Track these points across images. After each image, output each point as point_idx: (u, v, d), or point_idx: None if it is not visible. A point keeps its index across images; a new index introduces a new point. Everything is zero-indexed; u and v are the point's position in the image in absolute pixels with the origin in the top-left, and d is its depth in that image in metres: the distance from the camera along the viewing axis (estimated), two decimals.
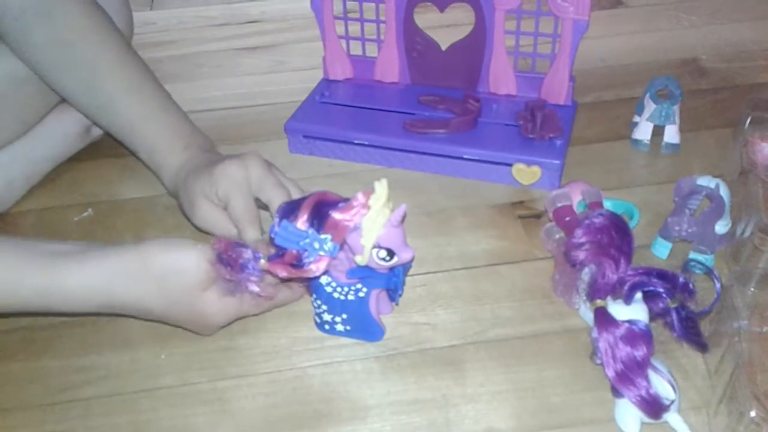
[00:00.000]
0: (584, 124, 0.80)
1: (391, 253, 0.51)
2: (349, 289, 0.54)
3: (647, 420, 0.49)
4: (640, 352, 0.48)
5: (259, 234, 0.59)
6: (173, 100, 0.67)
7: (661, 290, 0.50)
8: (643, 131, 0.76)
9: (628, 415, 0.49)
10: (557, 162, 0.70)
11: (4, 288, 0.51)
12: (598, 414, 0.51)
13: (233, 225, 0.60)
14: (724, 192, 0.61)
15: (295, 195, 0.59)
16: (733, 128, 0.74)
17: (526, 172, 0.71)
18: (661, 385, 0.48)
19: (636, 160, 0.76)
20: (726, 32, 0.98)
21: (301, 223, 0.50)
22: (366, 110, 0.79)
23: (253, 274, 0.52)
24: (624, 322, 0.50)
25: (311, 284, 0.56)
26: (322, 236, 0.49)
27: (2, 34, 0.65)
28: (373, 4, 0.78)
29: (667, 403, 0.48)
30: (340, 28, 0.81)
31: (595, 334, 0.50)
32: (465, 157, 0.73)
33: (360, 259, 0.51)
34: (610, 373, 0.49)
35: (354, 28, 0.81)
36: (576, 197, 0.62)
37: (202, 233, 0.63)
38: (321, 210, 0.50)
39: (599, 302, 0.51)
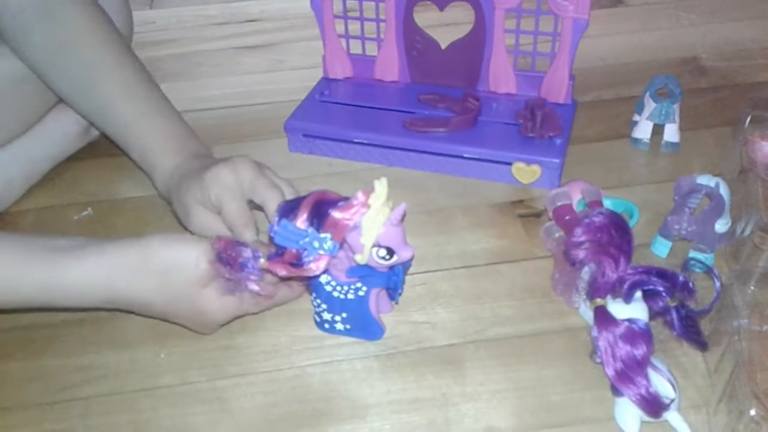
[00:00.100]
0: (584, 123, 0.80)
1: (390, 252, 0.51)
2: (349, 288, 0.54)
3: (647, 419, 0.49)
4: (639, 351, 0.48)
5: (255, 236, 0.59)
6: (169, 103, 0.67)
7: (661, 289, 0.50)
8: (643, 130, 0.76)
9: (628, 413, 0.49)
10: (557, 161, 0.70)
11: (5, 283, 0.51)
12: (598, 413, 0.51)
13: (228, 229, 0.59)
14: (723, 191, 0.61)
15: (288, 194, 0.58)
16: (733, 127, 0.74)
17: (525, 171, 0.71)
18: (660, 383, 0.48)
19: (636, 159, 0.76)
20: (726, 31, 0.98)
21: (301, 222, 0.50)
22: (366, 109, 0.79)
23: (252, 273, 0.52)
24: (624, 320, 0.50)
25: (311, 283, 0.56)
26: (322, 235, 0.49)
27: (1, 32, 0.65)
28: (372, 3, 0.78)
29: (666, 401, 0.48)
30: (339, 27, 0.81)
31: (594, 332, 0.50)
32: (465, 155, 0.73)
33: (360, 258, 0.51)
34: (610, 371, 0.49)
35: (354, 27, 0.81)
36: (576, 196, 0.62)
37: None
38: (320, 209, 0.50)
39: (599, 301, 0.51)
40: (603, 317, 0.50)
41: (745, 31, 0.97)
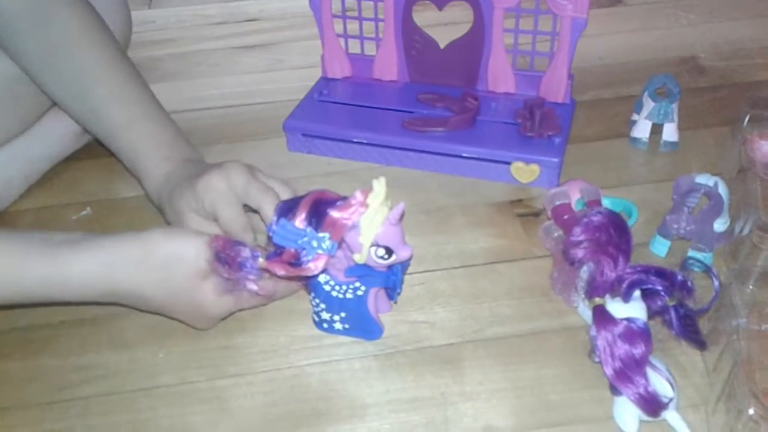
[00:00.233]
0: (583, 123, 0.80)
1: (389, 252, 0.51)
2: (348, 288, 0.54)
3: (646, 418, 0.49)
4: (638, 350, 0.48)
5: (253, 240, 0.58)
6: (160, 107, 0.66)
7: (660, 288, 0.50)
8: (642, 129, 0.76)
9: (627, 413, 0.49)
10: (556, 160, 0.70)
11: (6, 278, 0.51)
12: (597, 412, 0.51)
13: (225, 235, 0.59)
14: (722, 190, 0.61)
15: (283, 194, 0.58)
16: (732, 126, 0.74)
17: (524, 171, 0.71)
18: (659, 383, 0.48)
19: (634, 159, 0.76)
20: (724, 30, 0.98)
21: (299, 221, 0.50)
22: (364, 108, 0.79)
23: (251, 272, 0.52)
24: (622, 320, 0.50)
25: (310, 283, 0.56)
26: (320, 234, 0.49)
27: None
28: (371, 3, 0.78)
29: (665, 401, 0.48)
30: (338, 27, 0.81)
31: (593, 332, 0.50)
32: (464, 155, 0.73)
33: (358, 258, 0.51)
34: (609, 371, 0.49)
35: (352, 27, 0.81)
36: (574, 195, 0.62)
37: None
38: (319, 208, 0.50)
39: (598, 300, 0.51)
40: (602, 316, 0.50)
41: (744, 30, 0.97)
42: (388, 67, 0.82)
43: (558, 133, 0.72)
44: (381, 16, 0.79)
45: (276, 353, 0.57)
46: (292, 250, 0.50)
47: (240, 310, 0.58)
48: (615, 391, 0.49)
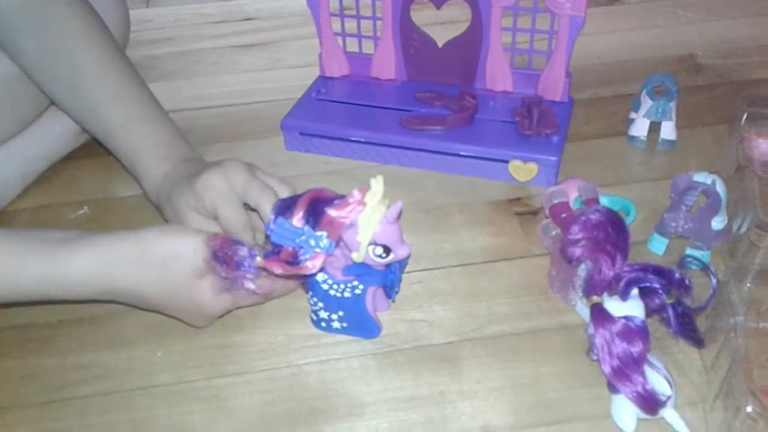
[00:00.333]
0: (581, 121, 0.80)
1: (387, 250, 0.51)
2: (346, 286, 0.54)
3: (643, 416, 0.49)
4: (636, 348, 0.48)
5: (252, 239, 0.58)
6: (158, 106, 0.66)
7: (658, 286, 0.50)
8: (640, 128, 0.76)
9: (625, 410, 0.49)
10: (554, 158, 0.70)
11: (4, 277, 0.51)
12: (595, 410, 0.51)
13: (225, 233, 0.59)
14: (720, 188, 0.61)
15: (282, 193, 0.58)
16: (730, 124, 0.74)
17: (522, 169, 0.71)
18: (657, 380, 0.49)
19: (632, 157, 0.76)
20: (722, 29, 0.98)
21: (297, 220, 0.50)
22: (362, 107, 0.79)
23: (248, 271, 0.52)
24: (620, 318, 0.50)
25: (307, 281, 0.56)
26: (318, 233, 0.49)
27: None
28: (369, 1, 0.78)
29: (663, 398, 0.48)
30: (336, 25, 0.81)
31: (591, 330, 0.50)
32: (462, 153, 0.73)
33: (356, 256, 0.51)
34: (607, 369, 0.49)
35: (350, 25, 0.81)
36: (572, 194, 0.62)
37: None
38: (317, 207, 0.50)
39: (595, 298, 0.51)
40: (599, 314, 0.50)
41: (742, 28, 0.97)
42: (386, 65, 0.82)
43: (556, 132, 0.72)
44: (379, 15, 0.79)
45: (274, 352, 0.57)
46: (290, 248, 0.50)
47: (238, 308, 0.58)
48: (613, 389, 0.49)
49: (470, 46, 0.78)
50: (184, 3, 1.11)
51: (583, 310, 0.56)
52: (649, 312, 0.52)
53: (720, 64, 0.91)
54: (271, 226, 0.51)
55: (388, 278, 0.55)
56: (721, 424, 0.48)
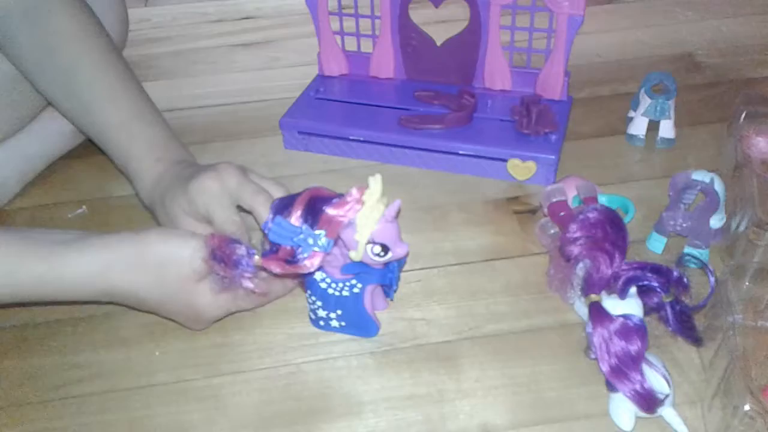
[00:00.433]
0: (579, 120, 0.80)
1: (385, 249, 0.51)
2: (344, 285, 0.54)
3: (642, 414, 0.49)
4: (634, 347, 0.48)
5: (247, 240, 0.58)
6: (153, 107, 0.65)
7: (656, 285, 0.50)
8: (639, 126, 0.76)
9: (623, 409, 0.49)
10: (552, 157, 0.70)
11: (2, 277, 0.51)
12: (593, 408, 0.51)
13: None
14: (718, 186, 0.61)
15: (276, 195, 0.57)
16: (728, 123, 0.74)
17: (521, 168, 0.71)
18: (655, 379, 0.48)
19: (631, 155, 0.76)
20: (721, 27, 0.98)
21: (295, 219, 0.50)
22: (361, 106, 0.79)
23: (246, 270, 0.51)
24: (618, 316, 0.50)
25: (306, 280, 0.56)
26: (316, 232, 0.49)
27: None
28: (367, 0, 0.78)
29: (661, 397, 0.48)
30: (335, 24, 0.81)
31: (589, 328, 0.50)
32: (460, 152, 0.73)
33: (354, 255, 0.51)
34: (605, 367, 0.49)
35: (349, 24, 0.81)
36: (571, 192, 0.62)
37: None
38: (315, 206, 0.50)
39: (594, 297, 0.51)
40: (598, 313, 0.50)
41: (740, 27, 0.97)
42: (385, 64, 0.82)
43: (554, 130, 0.72)
44: (377, 14, 0.79)
45: (272, 351, 0.57)
46: (288, 247, 0.50)
47: (237, 312, 0.58)
48: (611, 387, 0.49)
49: (469, 44, 0.78)
50: (183, 2, 1.11)
51: (581, 308, 0.56)
52: (648, 310, 0.52)
53: (719, 62, 0.91)
54: (269, 224, 0.50)
55: (386, 277, 0.54)
56: (719, 422, 0.48)
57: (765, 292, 0.53)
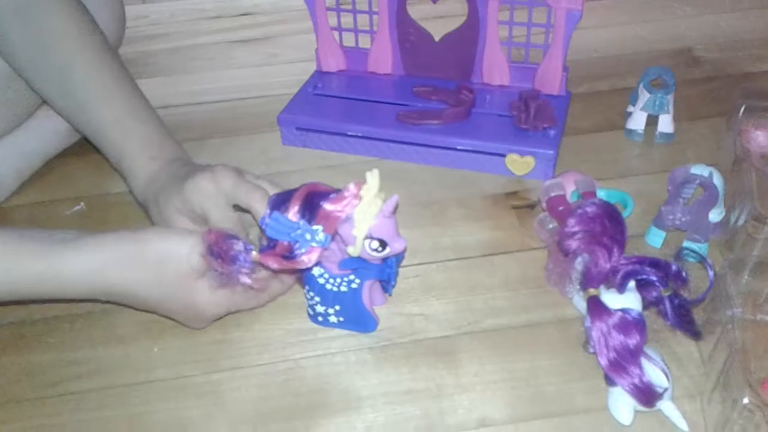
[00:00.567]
0: (578, 115, 0.80)
1: (383, 244, 0.50)
2: (342, 281, 0.54)
3: (641, 408, 0.49)
4: (633, 341, 0.48)
5: (244, 237, 0.58)
6: (147, 105, 0.65)
7: (654, 279, 0.50)
8: (637, 121, 0.76)
9: (622, 403, 0.49)
10: (551, 152, 0.70)
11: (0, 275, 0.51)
12: (592, 403, 0.51)
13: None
14: (717, 180, 0.61)
15: (272, 192, 0.58)
16: (727, 117, 0.73)
17: (519, 163, 0.71)
18: (654, 373, 0.48)
19: (630, 150, 0.76)
20: (720, 22, 0.98)
21: (292, 214, 0.50)
22: (359, 102, 0.79)
23: (244, 266, 0.51)
24: (617, 310, 0.49)
25: (304, 276, 0.56)
26: (314, 227, 0.49)
27: None
28: None
29: (660, 391, 0.48)
30: (332, 20, 0.81)
31: (588, 323, 0.50)
32: (458, 147, 0.73)
33: (352, 250, 0.51)
34: (603, 361, 0.48)
35: (347, 20, 0.81)
36: (570, 187, 0.62)
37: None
38: (312, 201, 0.50)
39: (592, 291, 0.51)
40: (596, 307, 0.50)
41: (739, 21, 0.97)
42: (383, 60, 0.82)
43: (553, 125, 0.72)
44: (375, 9, 0.78)
45: (271, 347, 0.57)
46: (286, 243, 0.50)
47: (234, 312, 0.58)
48: (610, 381, 0.49)
49: (467, 40, 0.77)
50: None
51: (580, 302, 0.56)
52: (646, 304, 0.51)
53: (717, 57, 0.90)
54: (267, 220, 0.50)
55: (384, 272, 0.54)
56: (718, 416, 0.48)
57: (764, 285, 0.53)
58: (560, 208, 0.59)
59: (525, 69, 0.78)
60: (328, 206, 0.49)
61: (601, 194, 0.61)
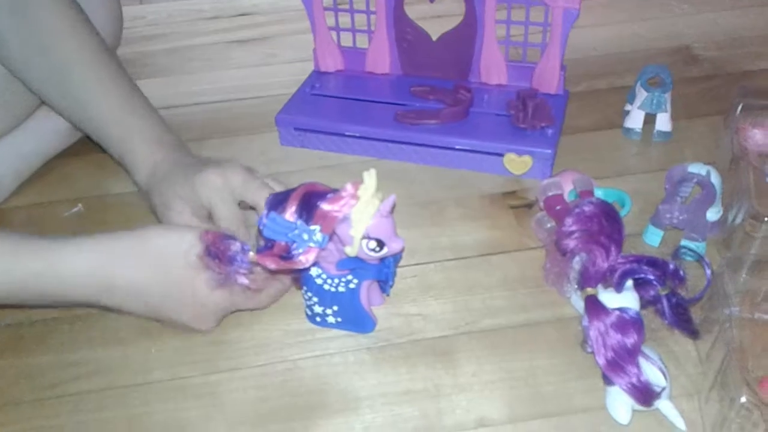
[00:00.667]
0: (576, 113, 0.80)
1: (380, 244, 0.50)
2: (340, 281, 0.54)
3: (638, 407, 0.49)
4: (630, 340, 0.48)
5: (246, 236, 0.58)
6: (145, 100, 0.66)
7: (652, 277, 0.50)
8: (635, 119, 0.76)
9: (619, 402, 0.49)
10: (548, 151, 0.70)
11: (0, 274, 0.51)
12: (590, 402, 0.51)
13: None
14: (715, 179, 0.61)
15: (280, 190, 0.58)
16: (725, 115, 0.73)
17: (517, 162, 0.71)
18: (652, 372, 0.48)
19: (628, 149, 0.76)
20: (717, 20, 0.98)
21: (290, 214, 0.50)
22: (357, 102, 0.79)
23: (241, 266, 0.51)
24: (615, 309, 0.49)
25: (302, 276, 0.56)
26: (311, 227, 0.49)
27: None
28: None
29: (658, 390, 0.48)
30: (330, 20, 0.81)
31: (586, 322, 0.50)
32: (456, 147, 0.73)
33: (350, 250, 0.51)
34: (601, 360, 0.48)
35: (344, 20, 0.81)
36: (567, 186, 0.62)
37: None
38: (309, 201, 0.50)
39: (590, 290, 0.51)
40: (594, 306, 0.50)
41: (737, 19, 0.97)
42: (381, 60, 0.82)
43: (551, 125, 0.72)
44: (372, 9, 0.78)
45: (269, 347, 0.57)
46: (283, 243, 0.50)
47: (236, 311, 0.58)
48: (608, 380, 0.49)
49: (464, 39, 0.77)
50: None
51: (577, 302, 0.56)
52: (644, 303, 0.51)
53: (715, 55, 0.90)
54: (264, 220, 0.50)
55: (382, 272, 0.54)
56: (716, 415, 0.48)
57: (761, 284, 0.53)
58: (558, 207, 0.59)
59: (522, 68, 0.78)
60: (325, 206, 0.49)
61: (599, 193, 0.61)
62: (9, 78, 0.67)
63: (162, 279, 0.53)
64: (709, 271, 0.52)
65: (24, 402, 0.54)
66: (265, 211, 0.51)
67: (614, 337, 0.48)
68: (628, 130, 0.77)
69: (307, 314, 0.58)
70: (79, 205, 0.73)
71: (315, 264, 0.52)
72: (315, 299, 0.56)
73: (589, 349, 0.50)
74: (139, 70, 0.95)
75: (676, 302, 0.51)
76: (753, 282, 0.53)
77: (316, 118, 0.77)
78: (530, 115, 0.72)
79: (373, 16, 0.79)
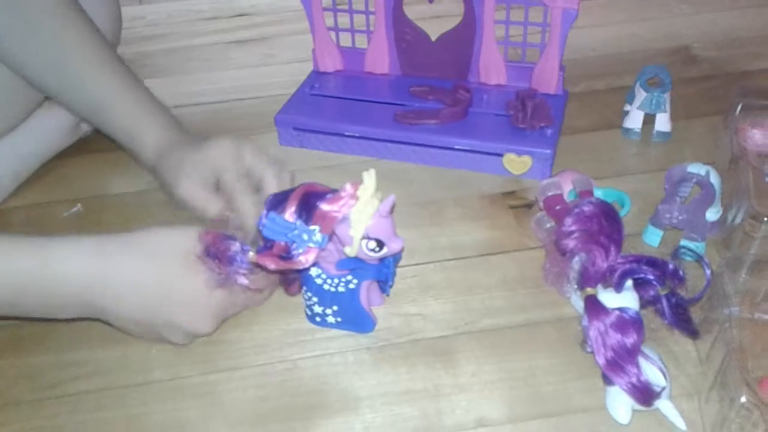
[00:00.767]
0: (575, 114, 0.80)
1: (380, 244, 0.50)
2: (340, 281, 0.54)
3: (638, 407, 0.49)
4: (630, 340, 0.48)
5: (256, 201, 0.59)
6: (140, 80, 0.68)
7: (652, 277, 0.50)
8: (634, 120, 0.76)
9: (620, 402, 0.49)
10: (548, 151, 0.70)
11: None
12: (590, 402, 0.51)
13: (221, 199, 0.61)
14: (714, 179, 0.61)
15: (285, 177, 0.61)
16: (724, 116, 0.73)
17: (516, 162, 0.71)
18: (651, 372, 0.48)
19: (627, 149, 0.76)
20: (717, 20, 0.98)
21: (289, 214, 0.50)
22: (356, 102, 0.79)
23: (241, 266, 0.51)
24: (614, 309, 0.49)
25: (301, 276, 0.56)
26: (311, 227, 0.49)
27: None
28: None
29: (657, 390, 0.48)
30: (329, 20, 0.81)
31: (585, 322, 0.50)
32: (456, 147, 0.73)
33: (349, 251, 0.51)
34: (601, 360, 0.48)
35: (343, 20, 0.81)
36: (567, 186, 0.62)
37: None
38: (309, 201, 0.50)
39: (590, 290, 0.51)
40: (594, 306, 0.50)
41: (736, 19, 0.97)
42: (380, 60, 0.82)
43: (550, 125, 0.72)
44: (372, 9, 0.78)
45: (269, 347, 0.57)
46: (282, 243, 0.50)
47: (237, 312, 0.58)
48: (607, 380, 0.49)
49: (463, 39, 0.77)
50: None
51: (577, 302, 0.56)
52: (644, 303, 0.51)
53: (714, 55, 0.90)
54: (263, 220, 0.50)
55: (382, 272, 0.54)
56: (716, 415, 0.48)
57: (761, 284, 0.53)
58: (557, 207, 0.59)
59: (522, 68, 0.78)
60: (324, 206, 0.49)
61: (598, 193, 0.61)
62: (7, 78, 0.67)
63: (161, 279, 0.53)
64: (708, 271, 0.52)
65: (24, 402, 0.54)
66: (264, 212, 0.51)
67: (614, 337, 0.48)
68: (628, 131, 0.77)
69: (306, 314, 0.58)
70: (78, 205, 0.73)
71: (315, 264, 0.52)
72: (315, 299, 0.56)
73: (589, 349, 0.50)
74: (138, 70, 0.94)
75: (675, 302, 0.51)
76: (752, 282, 0.53)
77: (315, 118, 0.77)
78: (529, 116, 0.72)
79: (372, 17, 0.79)
